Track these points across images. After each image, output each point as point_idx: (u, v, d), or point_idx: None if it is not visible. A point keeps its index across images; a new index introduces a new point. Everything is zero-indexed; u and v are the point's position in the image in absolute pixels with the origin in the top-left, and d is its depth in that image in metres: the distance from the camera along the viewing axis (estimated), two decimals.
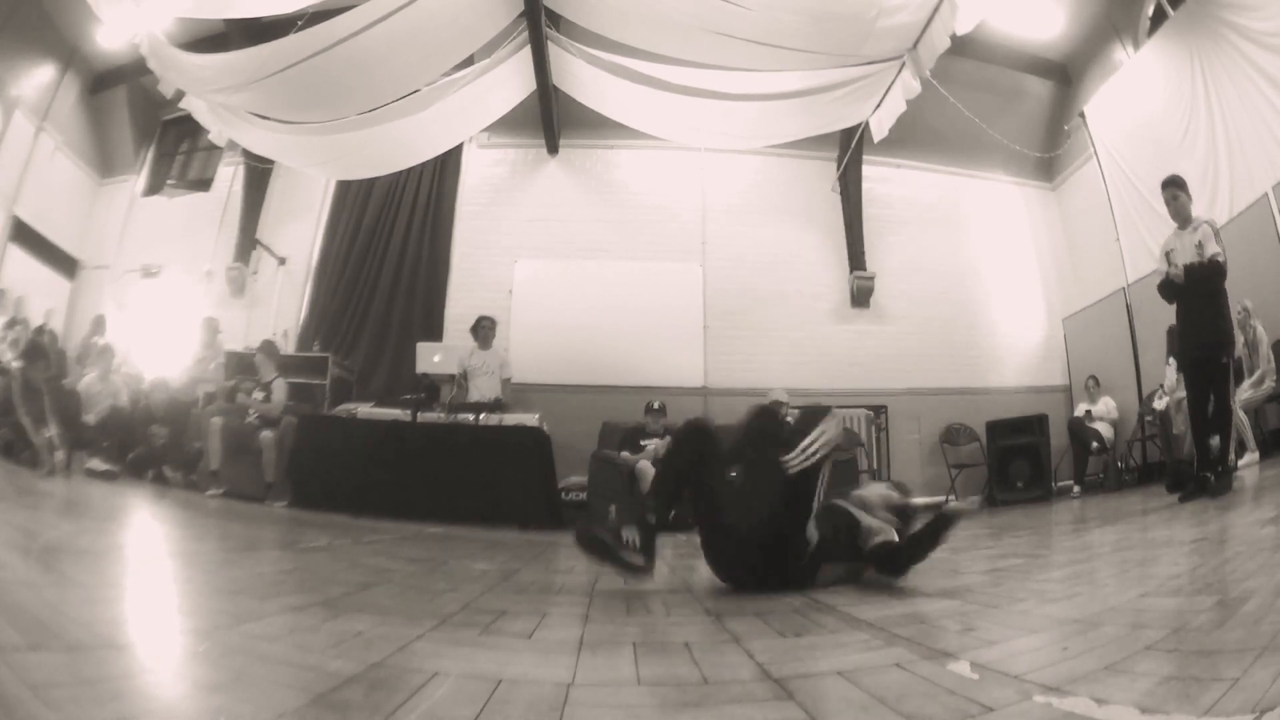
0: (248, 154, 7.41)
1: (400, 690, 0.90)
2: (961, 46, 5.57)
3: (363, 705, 0.84)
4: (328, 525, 3.83)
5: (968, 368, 7.60)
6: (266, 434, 5.20)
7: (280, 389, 5.56)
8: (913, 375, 7.45)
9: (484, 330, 6.19)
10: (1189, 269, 3.79)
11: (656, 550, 1.89)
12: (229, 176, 8.01)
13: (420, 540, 3.42)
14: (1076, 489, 6.28)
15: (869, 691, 0.90)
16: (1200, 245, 3.80)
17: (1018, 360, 7.77)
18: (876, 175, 7.93)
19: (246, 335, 7.19)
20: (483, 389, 5.91)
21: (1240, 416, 4.51)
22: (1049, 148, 7.91)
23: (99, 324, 7.20)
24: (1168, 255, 3.92)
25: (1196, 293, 3.79)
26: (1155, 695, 0.80)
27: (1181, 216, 3.96)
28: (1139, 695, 0.80)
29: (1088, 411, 6.66)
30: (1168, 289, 3.94)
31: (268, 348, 5.91)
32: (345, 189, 7.92)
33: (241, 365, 6.23)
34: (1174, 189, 3.98)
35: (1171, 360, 5.44)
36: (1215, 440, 3.73)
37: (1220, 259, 3.74)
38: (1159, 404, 5.93)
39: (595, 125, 7.30)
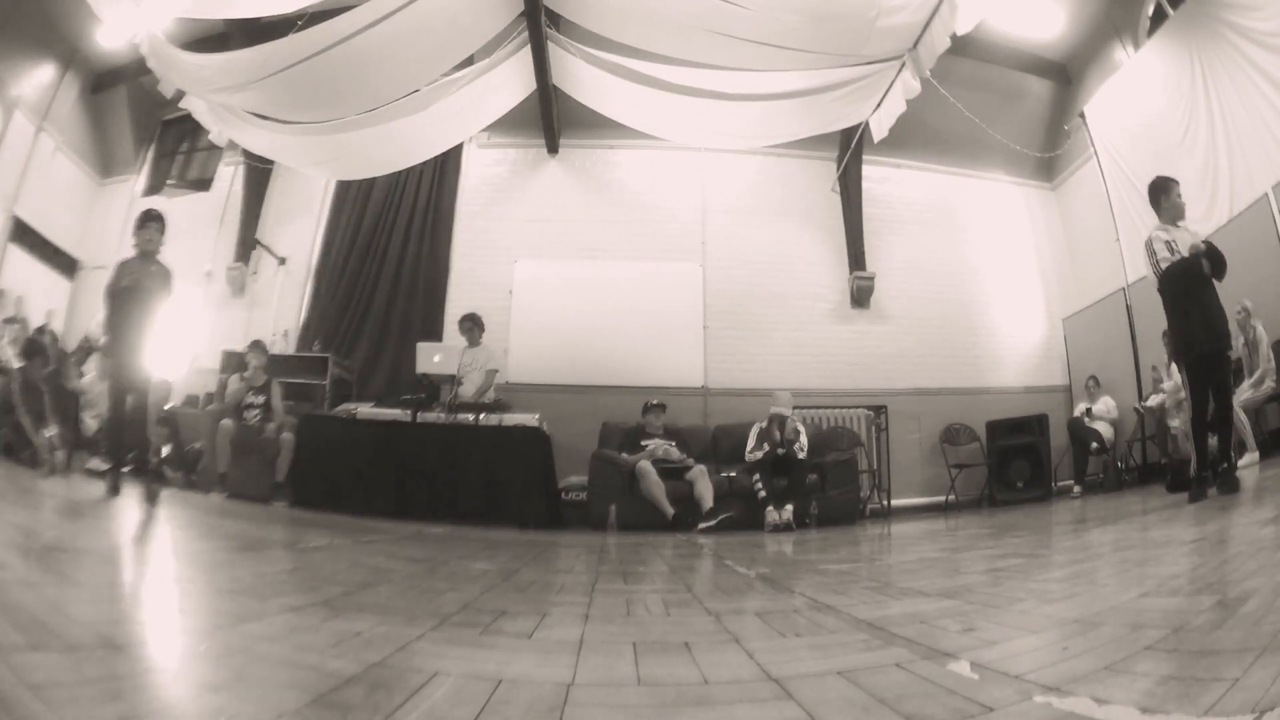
0: (248, 154, 7.41)
1: (400, 690, 0.90)
2: (961, 46, 5.56)
3: (363, 705, 0.84)
4: (328, 525, 3.84)
5: (968, 368, 7.59)
6: (287, 435, 5.24)
7: (276, 394, 5.60)
8: (913, 375, 7.45)
9: (466, 328, 6.24)
10: (1210, 248, 3.71)
11: None
12: (229, 176, 8.00)
13: (420, 540, 3.42)
14: (1076, 489, 6.28)
15: (869, 691, 0.90)
16: (1196, 235, 3.84)
17: (1018, 360, 7.77)
18: (876, 175, 7.93)
19: (246, 335, 7.18)
20: (468, 387, 5.93)
21: (1240, 416, 4.51)
22: (1049, 148, 7.90)
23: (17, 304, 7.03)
24: (1169, 244, 3.79)
25: (1204, 284, 3.72)
26: (1155, 695, 0.80)
27: (1181, 212, 3.95)
28: (1139, 695, 0.80)
29: (1088, 411, 6.65)
30: (1172, 278, 3.76)
31: (258, 347, 5.92)
32: (345, 189, 7.90)
33: (238, 365, 6.25)
34: (1177, 186, 3.97)
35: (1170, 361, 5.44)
36: (1214, 440, 3.73)
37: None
38: (1153, 401, 5.94)
39: (595, 125, 7.29)
